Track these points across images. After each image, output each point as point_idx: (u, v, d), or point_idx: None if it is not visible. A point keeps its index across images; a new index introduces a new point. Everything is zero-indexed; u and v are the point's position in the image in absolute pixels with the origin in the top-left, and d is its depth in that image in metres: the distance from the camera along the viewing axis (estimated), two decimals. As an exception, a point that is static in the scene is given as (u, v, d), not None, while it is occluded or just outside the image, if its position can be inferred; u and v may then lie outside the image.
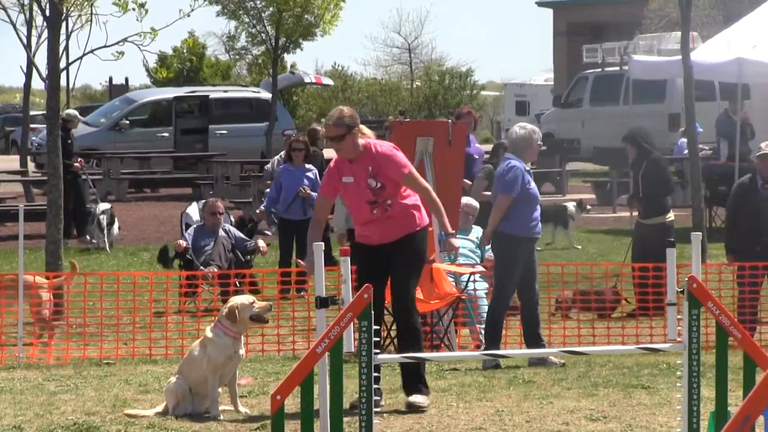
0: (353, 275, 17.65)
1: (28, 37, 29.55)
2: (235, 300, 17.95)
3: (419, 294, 21.83)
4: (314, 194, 27.91)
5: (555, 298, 25.41)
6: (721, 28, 43.59)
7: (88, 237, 36.51)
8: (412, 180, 17.53)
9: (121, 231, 37.35)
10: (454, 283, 22.39)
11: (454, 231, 18.51)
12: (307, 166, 29.65)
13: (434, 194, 18.11)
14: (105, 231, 36.60)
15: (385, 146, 17.82)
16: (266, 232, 29.08)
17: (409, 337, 17.58)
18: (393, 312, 18.12)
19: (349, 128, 17.24)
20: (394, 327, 19.24)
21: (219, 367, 17.63)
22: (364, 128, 17.48)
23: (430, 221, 18.54)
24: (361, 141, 17.34)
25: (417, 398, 17.38)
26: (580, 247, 37.45)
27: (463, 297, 22.42)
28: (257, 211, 30.91)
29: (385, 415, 15.80)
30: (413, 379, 17.46)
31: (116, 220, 37.33)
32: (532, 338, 21.63)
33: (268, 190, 32.01)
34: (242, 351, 18.17)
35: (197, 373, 17.61)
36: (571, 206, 38.37)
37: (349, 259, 16.18)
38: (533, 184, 21.91)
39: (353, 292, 14.62)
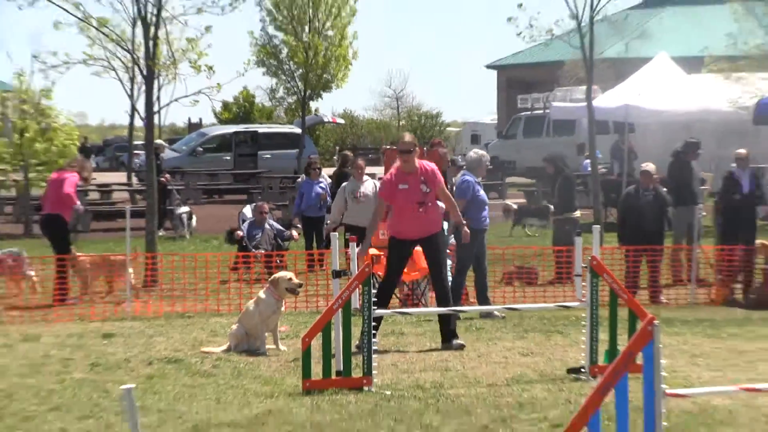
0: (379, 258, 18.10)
1: (132, 89, 29.40)
2: (279, 274, 18.32)
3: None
4: (329, 199, 28.02)
5: (502, 272, 25.27)
6: (615, 84, 43.34)
7: (173, 229, 36.38)
8: (443, 189, 17.72)
9: (197, 225, 37.19)
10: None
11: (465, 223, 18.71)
12: (320, 180, 29.53)
13: (453, 200, 18.50)
14: (186, 225, 36.53)
15: (430, 165, 17.87)
16: (297, 225, 28.86)
17: (443, 298, 17.71)
18: (433, 283, 18.09)
19: (414, 146, 17.44)
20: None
21: (266, 318, 17.76)
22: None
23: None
24: (416, 161, 17.46)
25: (457, 341, 17.54)
26: (537, 235, 37.04)
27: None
28: (292, 218, 30.64)
29: (380, 353, 15.73)
30: (450, 331, 17.66)
31: (193, 217, 37.20)
32: (482, 299, 21.61)
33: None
34: (282, 308, 18.28)
35: (251, 322, 17.74)
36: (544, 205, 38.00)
37: (355, 243, 16.24)
38: (482, 192, 21.88)
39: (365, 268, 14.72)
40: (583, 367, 15.56)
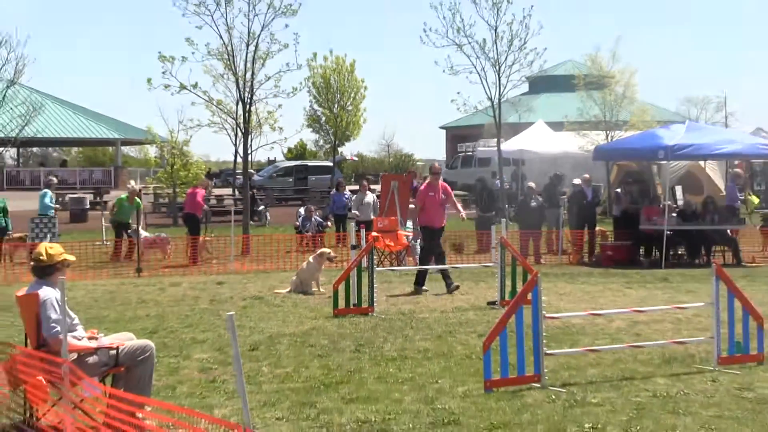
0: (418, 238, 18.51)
1: (235, 140, 29.30)
2: (323, 249, 18.31)
3: (392, 242, 21.68)
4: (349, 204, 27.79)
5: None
6: (513, 137, 43.33)
7: (258, 220, 36.29)
8: (453, 200, 18.13)
9: (271, 219, 37.11)
10: (405, 238, 22.14)
11: (463, 212, 18.41)
12: (344, 193, 29.42)
13: (459, 203, 19.00)
14: (264, 218, 36.60)
15: (445, 185, 18.13)
16: (330, 219, 28.76)
17: (440, 257, 17.81)
18: (437, 252, 17.79)
19: (439, 172, 18.22)
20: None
21: (313, 273, 17.57)
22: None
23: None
24: (440, 180, 17.97)
25: (454, 285, 17.35)
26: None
27: (409, 245, 22.21)
28: (327, 215, 30.39)
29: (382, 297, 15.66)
30: (449, 280, 17.52)
31: (267, 214, 37.21)
32: (443, 272, 21.40)
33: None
34: (323, 268, 18.09)
35: (304, 276, 17.57)
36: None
37: (364, 230, 16.08)
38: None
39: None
40: (497, 301, 15.45)
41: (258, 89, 26.90)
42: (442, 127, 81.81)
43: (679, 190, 27.99)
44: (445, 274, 17.64)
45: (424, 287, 17.46)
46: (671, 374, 9.87)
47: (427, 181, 18.01)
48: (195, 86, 26.88)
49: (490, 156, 47.63)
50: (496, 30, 32.09)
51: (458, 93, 34.47)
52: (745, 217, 28.31)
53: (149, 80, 26.69)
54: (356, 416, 8.37)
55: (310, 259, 18.15)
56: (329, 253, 18.35)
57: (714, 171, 29.82)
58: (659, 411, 8.34)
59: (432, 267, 17.69)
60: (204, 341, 12.34)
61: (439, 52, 52.37)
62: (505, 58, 32.27)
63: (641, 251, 24.34)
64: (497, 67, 32.25)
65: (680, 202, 26.64)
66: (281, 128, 28.74)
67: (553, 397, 8.94)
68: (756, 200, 37.31)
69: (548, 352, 9.64)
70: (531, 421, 8.11)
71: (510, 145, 42.27)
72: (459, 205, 18.45)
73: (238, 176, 51.00)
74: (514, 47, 32.25)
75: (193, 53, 26.61)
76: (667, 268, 21.93)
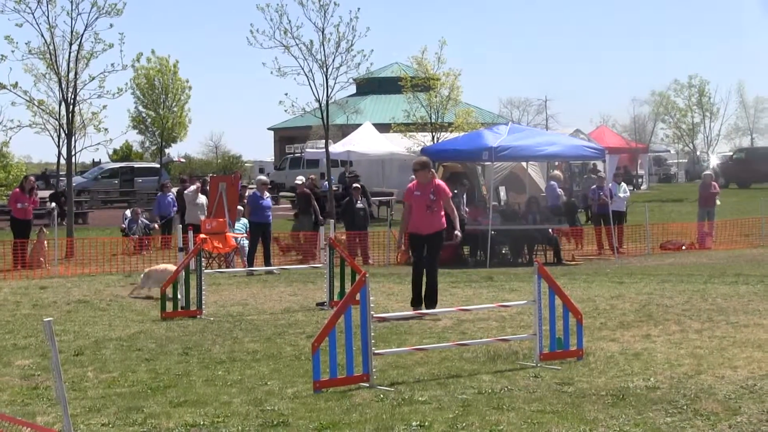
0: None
1: (59, 141, 28.37)
2: (156, 267, 17.47)
3: (220, 244, 21.47)
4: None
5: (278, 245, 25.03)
6: (341, 139, 43.60)
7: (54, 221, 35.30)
8: (449, 200, 14.67)
9: (95, 221, 36.17)
10: (234, 240, 21.98)
11: (458, 232, 15.06)
12: (169, 193, 29.00)
13: (455, 210, 15.27)
14: (54, 219, 35.64)
15: (441, 182, 15.14)
16: (157, 221, 28.19)
17: (431, 275, 14.62)
18: (426, 266, 14.57)
19: (425, 166, 14.70)
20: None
21: (155, 279, 17.05)
22: (433, 171, 15.30)
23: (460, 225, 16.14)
24: (429, 176, 14.66)
25: (432, 306, 14.36)
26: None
27: (238, 246, 22.05)
28: (153, 217, 29.71)
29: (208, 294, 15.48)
30: (432, 296, 14.62)
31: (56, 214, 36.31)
32: (268, 264, 21.30)
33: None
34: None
35: (150, 280, 17.01)
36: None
37: (192, 232, 15.83)
38: (265, 201, 21.75)
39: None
40: (326, 302, 15.51)
41: (82, 89, 26.68)
42: (270, 129, 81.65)
43: (502, 190, 28.79)
44: (428, 293, 14.70)
45: (422, 306, 14.52)
46: (496, 371, 10.12)
47: (413, 179, 15.31)
48: (15, 86, 26.43)
49: (318, 157, 47.78)
50: (323, 32, 32.27)
51: (286, 94, 34.50)
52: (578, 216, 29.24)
53: (-36, 78, 25.91)
54: (184, 420, 8.27)
55: (150, 268, 17.23)
56: (163, 269, 16.82)
57: (536, 172, 30.78)
58: (484, 407, 8.54)
59: (267, 268, 17.33)
60: (26, 347, 11.97)
61: (267, 54, 52.46)
62: (333, 60, 32.52)
63: (466, 251, 24.85)
64: (325, 69, 32.46)
65: (504, 203, 27.39)
66: (106, 129, 28.25)
67: (382, 396, 9.04)
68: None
69: (376, 351, 9.75)
70: (360, 421, 8.19)
71: (338, 147, 42.59)
72: (455, 217, 15.14)
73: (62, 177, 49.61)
74: (341, 49, 32.49)
75: (13, 51, 26.15)
76: (491, 267, 22.47)
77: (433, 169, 15.32)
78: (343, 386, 9.32)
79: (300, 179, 27.27)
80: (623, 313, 14.10)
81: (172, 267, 16.44)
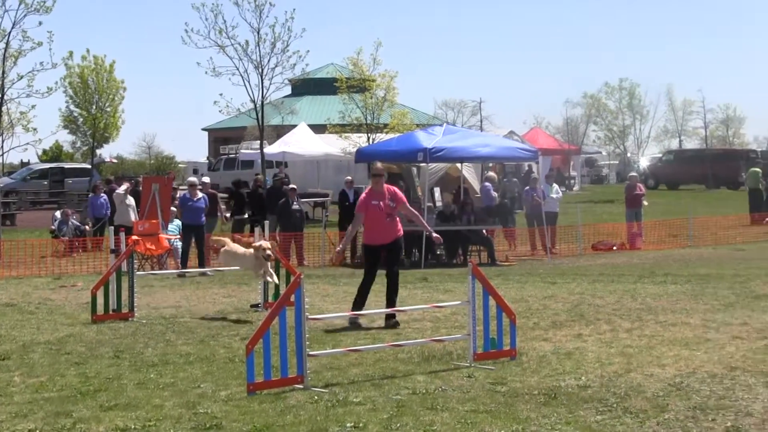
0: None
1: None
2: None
3: (153, 246, 21.24)
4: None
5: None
6: (276, 140, 43.45)
7: (11, 224, 34.75)
8: (405, 204, 13.91)
9: (23, 223, 35.63)
10: (167, 242, 21.78)
11: (430, 232, 14.69)
12: (101, 195, 28.63)
13: (415, 211, 14.63)
14: None
15: (393, 187, 14.03)
16: (89, 222, 27.86)
17: (393, 286, 13.63)
18: (387, 274, 13.71)
19: (383, 172, 14.04)
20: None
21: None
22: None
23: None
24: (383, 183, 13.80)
25: (394, 321, 13.39)
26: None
27: (171, 248, 21.86)
28: (86, 218, 29.36)
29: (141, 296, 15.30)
30: (393, 299, 13.79)
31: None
32: (202, 265, 21.16)
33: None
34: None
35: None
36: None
37: (123, 233, 15.65)
38: (198, 204, 21.62)
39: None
40: (260, 303, 15.43)
41: (9, 88, 26.29)
42: (204, 129, 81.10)
43: (437, 191, 28.92)
44: (390, 296, 13.88)
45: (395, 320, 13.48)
46: (430, 372, 10.14)
47: (368, 187, 14.08)
48: (-61, 85, 25.85)
49: (253, 158, 47.54)
50: (258, 32, 32.29)
51: (221, 95, 34.46)
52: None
53: None
54: (115, 424, 8.15)
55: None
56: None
57: (470, 173, 30.95)
58: (418, 408, 8.55)
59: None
60: (-51, 352, 11.73)
61: (202, 53, 52.29)
62: (268, 61, 32.58)
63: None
64: (260, 70, 32.49)
65: (439, 204, 27.51)
66: (35, 129, 27.88)
67: (316, 397, 9.00)
68: None
69: (311, 353, 9.71)
70: (294, 422, 8.15)
71: (273, 148, 42.44)
72: (421, 220, 14.94)
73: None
74: (276, 50, 32.53)
75: (-65, 50, 25.56)
76: (426, 267, 22.54)
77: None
78: (277, 388, 9.27)
79: (206, 179, 26.61)
80: (555, 313, 14.23)
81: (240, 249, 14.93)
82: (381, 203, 13.64)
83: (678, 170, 60.58)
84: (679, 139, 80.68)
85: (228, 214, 26.70)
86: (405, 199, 14.09)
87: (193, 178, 23.62)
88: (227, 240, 15.41)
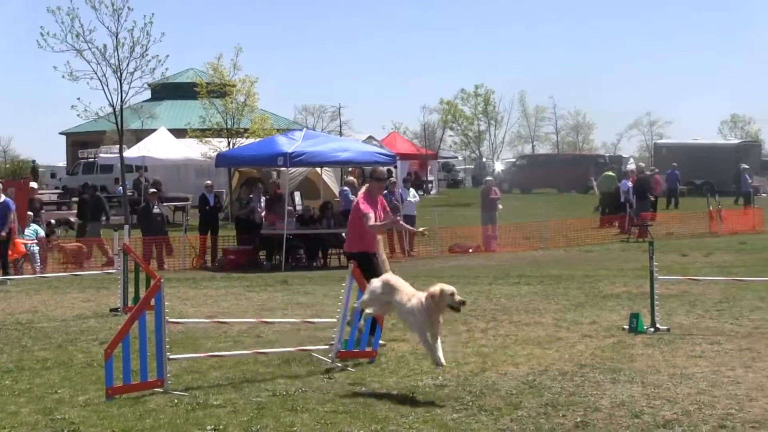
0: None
1: None
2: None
3: (9, 250, 20.58)
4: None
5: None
6: (136, 144, 42.65)
7: None
8: (388, 212, 12.43)
9: None
10: (24, 246, 21.11)
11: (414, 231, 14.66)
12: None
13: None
14: None
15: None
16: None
17: None
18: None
19: (384, 178, 12.72)
20: None
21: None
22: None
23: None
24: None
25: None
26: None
27: (28, 253, 21.26)
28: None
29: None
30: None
31: None
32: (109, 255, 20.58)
33: None
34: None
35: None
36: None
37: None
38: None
39: None
40: (120, 308, 15.14)
41: None
42: (62, 133, 79.06)
43: (298, 195, 28.89)
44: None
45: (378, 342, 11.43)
46: (291, 374, 10.14)
47: (365, 189, 12.51)
48: None
49: (112, 162, 46.57)
50: (117, 36, 31.71)
51: (78, 99, 33.56)
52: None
53: None
54: (-32, 433, 7.91)
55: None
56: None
57: (330, 177, 31.02)
58: (279, 409, 8.54)
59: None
60: None
61: (59, 57, 50.90)
62: (127, 65, 32.02)
63: (263, 255, 24.80)
64: (119, 74, 31.88)
65: (299, 207, 27.47)
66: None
67: (176, 401, 8.90)
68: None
69: (171, 356, 9.59)
70: (154, 426, 8.04)
71: (133, 152, 41.68)
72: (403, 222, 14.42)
73: None
74: (135, 54, 31.98)
75: None
76: (287, 270, 22.49)
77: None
78: (136, 392, 9.13)
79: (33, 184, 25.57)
80: (413, 314, 14.33)
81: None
82: (376, 210, 12.27)
83: (531, 174, 62.01)
84: (532, 144, 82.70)
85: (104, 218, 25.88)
86: (387, 206, 12.65)
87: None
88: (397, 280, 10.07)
